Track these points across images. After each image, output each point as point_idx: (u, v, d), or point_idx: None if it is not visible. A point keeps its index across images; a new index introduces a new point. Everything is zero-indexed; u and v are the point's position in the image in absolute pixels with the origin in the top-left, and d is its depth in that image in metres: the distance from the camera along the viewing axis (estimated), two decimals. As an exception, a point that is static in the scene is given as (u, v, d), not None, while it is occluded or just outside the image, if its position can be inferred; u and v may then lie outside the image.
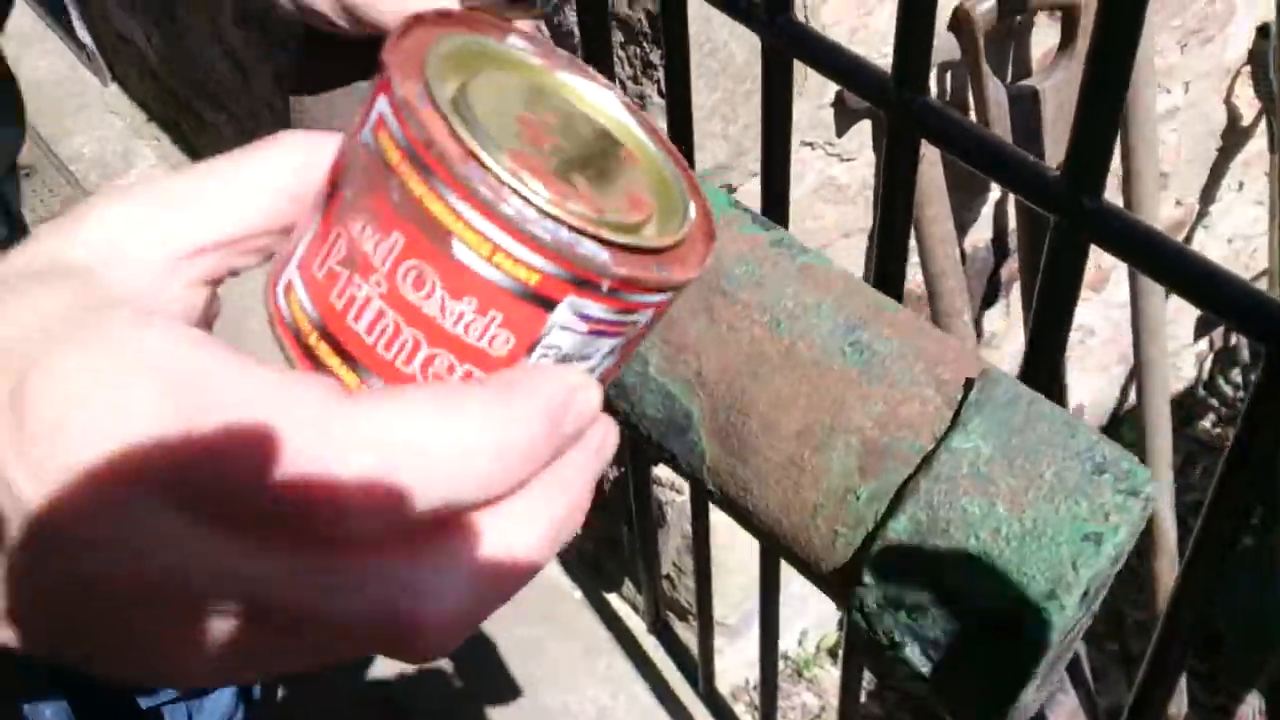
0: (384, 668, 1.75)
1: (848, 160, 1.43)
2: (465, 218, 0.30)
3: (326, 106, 0.69)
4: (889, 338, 0.50)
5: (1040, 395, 0.47)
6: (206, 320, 0.36)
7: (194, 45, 2.51)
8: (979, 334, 1.82)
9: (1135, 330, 1.48)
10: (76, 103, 3.17)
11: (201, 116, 2.81)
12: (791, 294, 0.52)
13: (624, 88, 1.26)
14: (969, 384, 0.47)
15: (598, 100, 0.39)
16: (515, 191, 0.30)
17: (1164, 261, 0.50)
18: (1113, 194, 1.58)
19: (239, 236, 0.34)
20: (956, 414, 0.47)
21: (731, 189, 1.32)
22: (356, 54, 0.63)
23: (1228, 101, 1.99)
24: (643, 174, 0.37)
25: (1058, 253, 0.54)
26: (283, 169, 0.34)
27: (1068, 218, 0.52)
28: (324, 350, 0.33)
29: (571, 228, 0.31)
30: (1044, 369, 0.59)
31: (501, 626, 1.78)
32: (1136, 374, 1.50)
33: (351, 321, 0.32)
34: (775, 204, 0.76)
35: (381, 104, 0.32)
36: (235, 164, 0.34)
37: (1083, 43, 1.44)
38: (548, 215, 0.30)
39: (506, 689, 1.73)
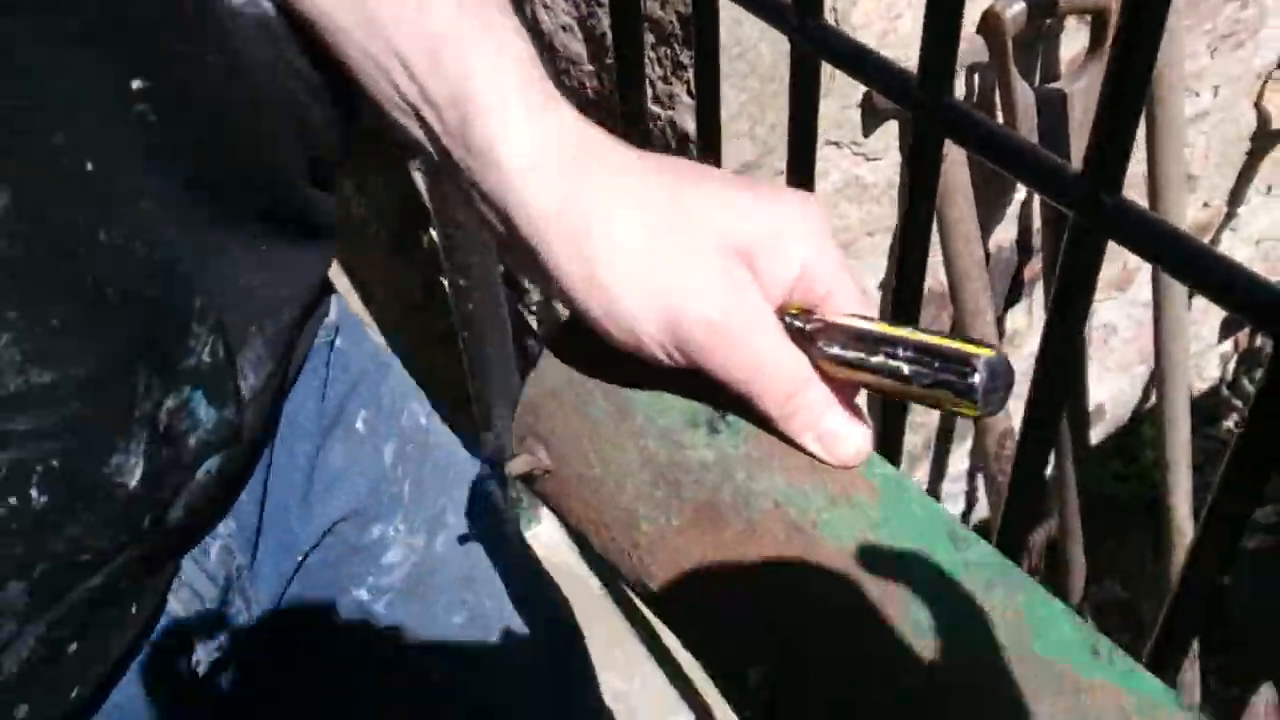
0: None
1: (873, 160, 1.45)
2: None
3: (577, 397, 0.55)
4: None
5: None
6: None
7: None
8: (1001, 333, 1.83)
9: (1157, 328, 1.49)
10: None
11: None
12: None
13: (654, 88, 1.28)
14: None
15: None
16: None
17: (1181, 257, 0.52)
18: (1140, 198, 1.59)
19: None
20: None
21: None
22: (655, 370, 0.51)
23: (1258, 105, 1.99)
24: None
25: (1076, 248, 0.56)
26: None
27: (1086, 214, 0.54)
28: None
29: None
30: (1059, 363, 0.61)
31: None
32: (1157, 371, 1.51)
33: None
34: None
35: None
36: None
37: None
38: None
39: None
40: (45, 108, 0.45)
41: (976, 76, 1.52)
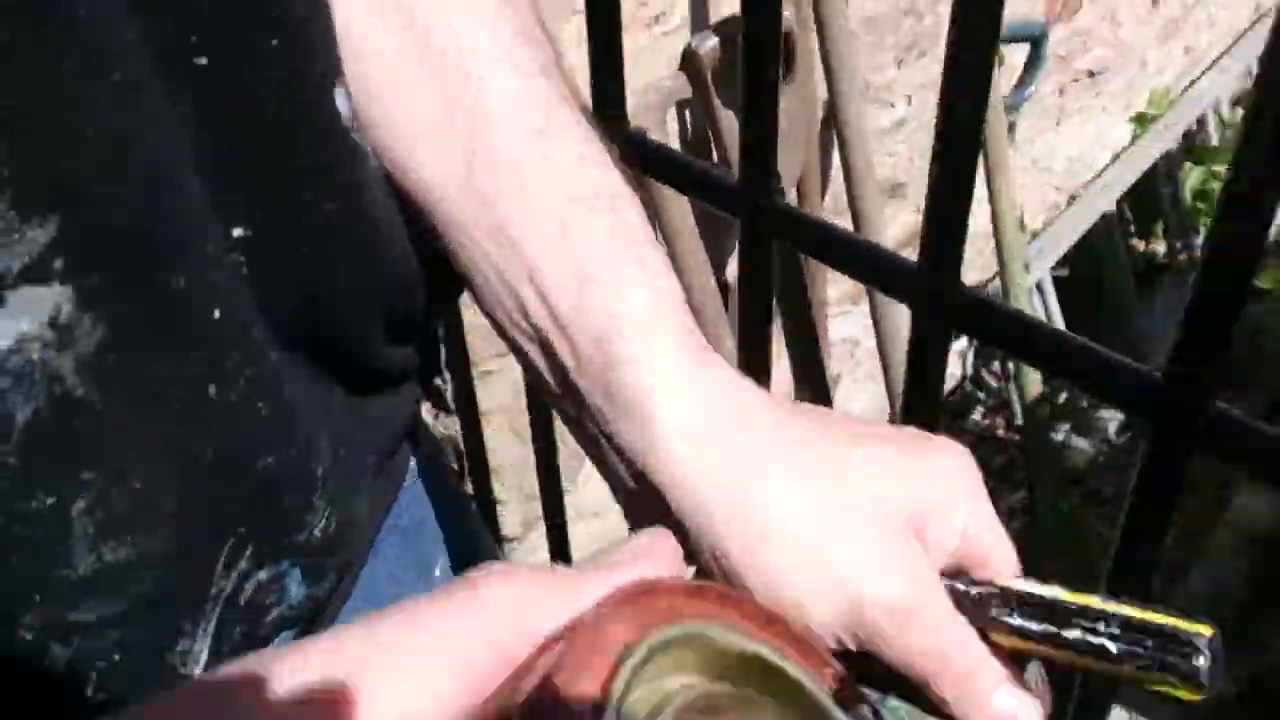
0: None
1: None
2: None
3: None
4: None
5: None
6: None
7: None
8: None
9: (876, 330, 1.58)
10: None
11: None
12: None
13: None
14: None
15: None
16: None
17: (831, 247, 0.57)
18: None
19: None
20: None
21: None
22: None
23: (949, 110, 2.14)
24: None
25: (747, 250, 0.60)
26: None
27: (747, 216, 0.58)
28: None
29: None
30: (755, 361, 0.65)
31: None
32: (884, 369, 1.60)
33: None
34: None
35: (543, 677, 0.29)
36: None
37: (802, 67, 1.55)
38: None
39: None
40: (167, 253, 0.39)
41: (687, 111, 1.59)
